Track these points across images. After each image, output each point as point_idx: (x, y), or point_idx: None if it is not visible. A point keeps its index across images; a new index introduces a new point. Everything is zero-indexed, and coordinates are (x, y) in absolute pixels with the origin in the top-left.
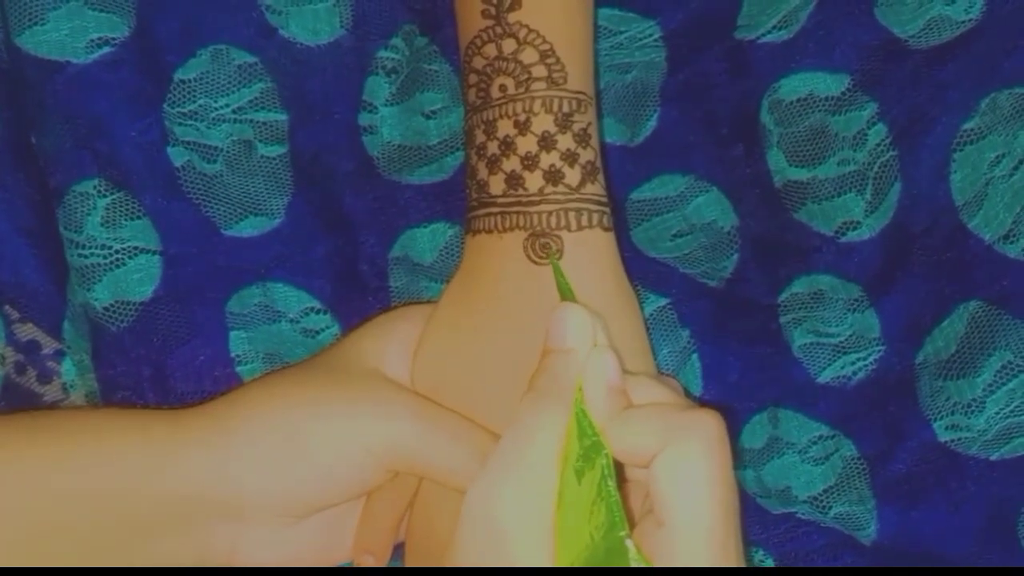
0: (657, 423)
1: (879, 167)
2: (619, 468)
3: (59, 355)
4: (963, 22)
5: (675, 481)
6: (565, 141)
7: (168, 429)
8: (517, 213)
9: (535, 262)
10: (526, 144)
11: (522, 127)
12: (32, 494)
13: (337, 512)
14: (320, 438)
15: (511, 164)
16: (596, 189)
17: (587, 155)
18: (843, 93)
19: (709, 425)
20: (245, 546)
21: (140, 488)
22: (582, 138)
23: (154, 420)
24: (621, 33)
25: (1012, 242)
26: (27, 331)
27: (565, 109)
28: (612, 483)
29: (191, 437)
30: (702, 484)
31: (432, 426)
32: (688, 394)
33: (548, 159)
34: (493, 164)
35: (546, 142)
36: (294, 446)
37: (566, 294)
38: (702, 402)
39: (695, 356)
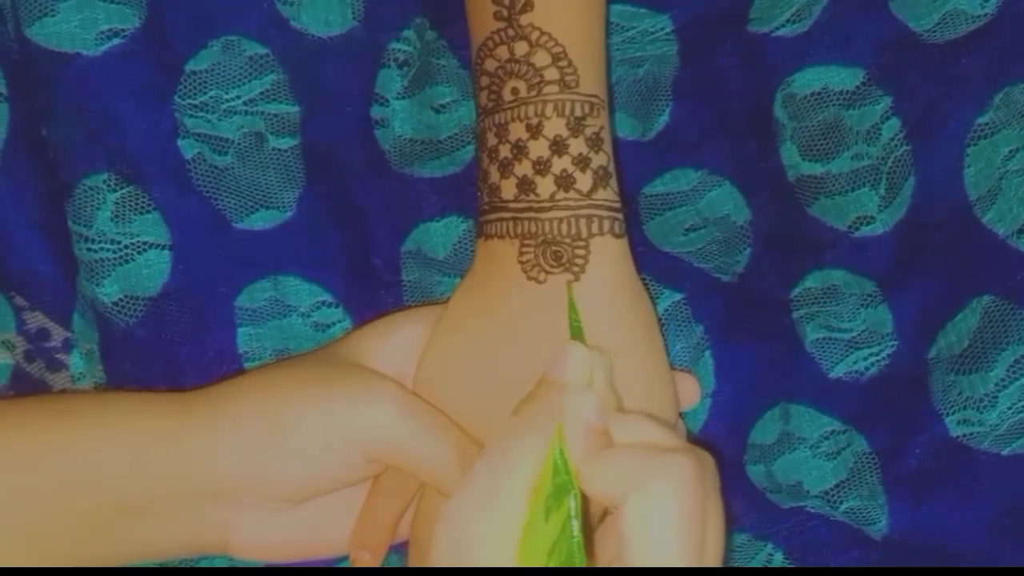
0: (628, 466)
1: (893, 162)
2: (588, 514)
3: (67, 345)
4: (978, 16)
5: (640, 527)
6: (577, 145)
7: (165, 414)
8: (529, 219)
9: (546, 271)
10: (538, 148)
11: (534, 131)
12: (37, 478)
13: (331, 502)
14: (302, 426)
15: (523, 169)
16: (608, 195)
17: (599, 160)
18: (857, 87)
19: (680, 470)
20: (237, 530)
21: (138, 472)
22: (594, 142)
23: (153, 405)
24: (633, 28)
25: None
26: (36, 320)
27: (577, 113)
28: (577, 525)
29: (185, 424)
30: (667, 531)
31: (413, 418)
32: (702, 390)
33: (560, 164)
34: (505, 168)
35: (558, 146)
36: (277, 433)
37: (575, 331)
38: (713, 401)
39: (708, 352)
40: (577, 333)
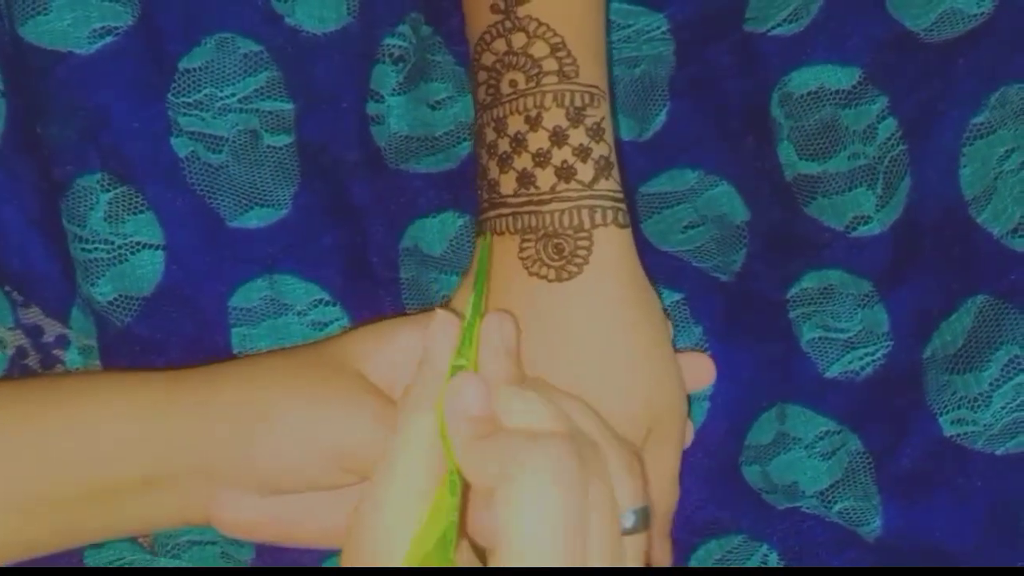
0: (499, 456)
1: (889, 161)
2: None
3: (60, 342)
4: (975, 16)
5: (508, 518)
6: (577, 136)
7: (157, 396)
8: (529, 213)
9: (548, 265)
10: (537, 140)
11: (533, 123)
12: (36, 455)
13: (313, 496)
14: (282, 428)
15: (522, 162)
16: (610, 185)
17: (600, 150)
18: (854, 87)
19: (548, 457)
20: (220, 507)
21: (131, 453)
22: (595, 132)
23: (147, 384)
24: (629, 26)
25: (1020, 236)
26: (31, 315)
27: (577, 103)
28: (455, 502)
29: (175, 404)
30: (535, 521)
31: (391, 434)
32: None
33: (560, 155)
34: (504, 162)
35: (558, 137)
36: (259, 427)
37: (476, 283)
38: (712, 403)
39: (707, 354)
40: (478, 291)
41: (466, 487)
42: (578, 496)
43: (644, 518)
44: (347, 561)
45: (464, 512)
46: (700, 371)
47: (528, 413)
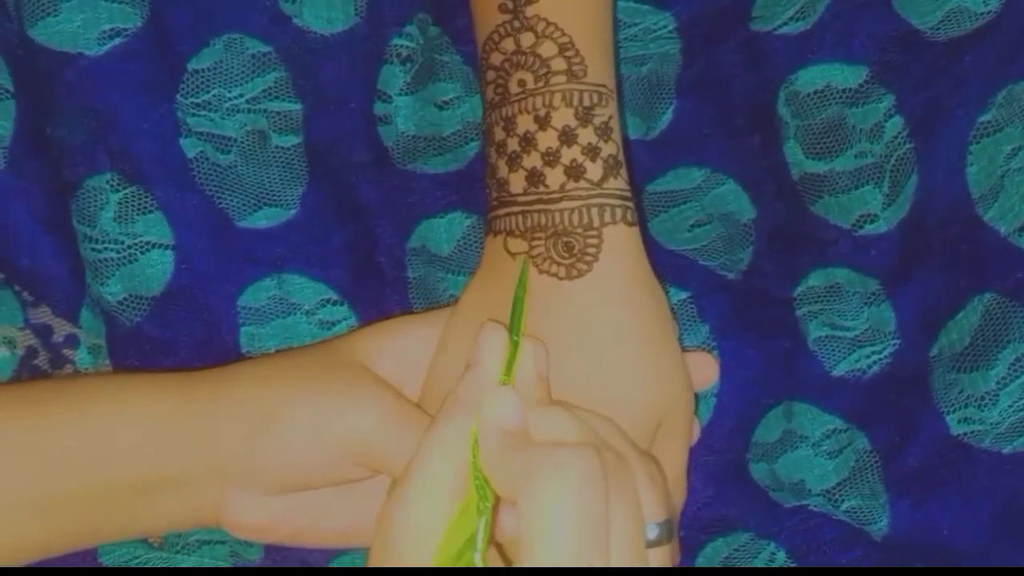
0: (522, 464)
1: (896, 160)
2: None
3: (71, 341)
4: (981, 14)
5: (529, 523)
6: (586, 135)
7: (168, 399)
8: (538, 211)
9: (557, 263)
10: (547, 139)
11: (542, 122)
12: (52, 456)
13: (321, 495)
14: (291, 423)
15: (532, 161)
16: (619, 184)
17: (609, 149)
18: (861, 85)
19: (567, 464)
20: (228, 508)
21: (146, 451)
22: (604, 131)
23: (160, 386)
24: (635, 25)
25: None
26: (41, 315)
27: (586, 102)
28: (481, 538)
29: (188, 406)
30: (555, 525)
31: (399, 429)
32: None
33: (569, 154)
34: (513, 161)
35: (567, 137)
36: (268, 427)
37: (516, 308)
38: (719, 400)
39: (714, 352)
40: (517, 311)
41: (497, 497)
42: (600, 502)
43: (667, 530)
44: (375, 556)
45: (494, 519)
46: (704, 370)
47: (555, 428)
